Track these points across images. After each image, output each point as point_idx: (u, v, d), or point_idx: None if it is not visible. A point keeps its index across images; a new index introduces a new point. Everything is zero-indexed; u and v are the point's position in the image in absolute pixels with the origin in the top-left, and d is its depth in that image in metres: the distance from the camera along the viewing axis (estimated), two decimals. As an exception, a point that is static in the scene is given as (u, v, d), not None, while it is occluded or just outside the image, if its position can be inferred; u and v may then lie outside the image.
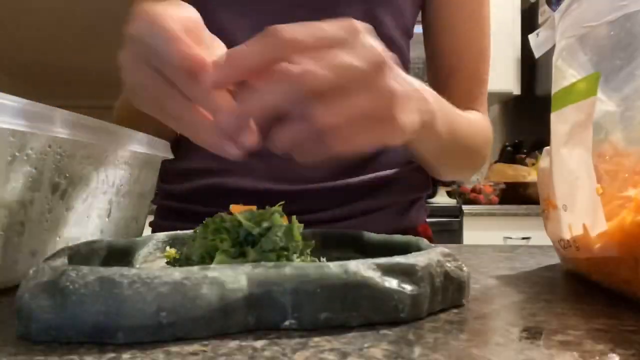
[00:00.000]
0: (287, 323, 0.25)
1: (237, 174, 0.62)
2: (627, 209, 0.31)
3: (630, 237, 0.31)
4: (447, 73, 0.71)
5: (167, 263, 0.36)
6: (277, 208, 0.34)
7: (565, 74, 0.39)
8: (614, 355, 0.22)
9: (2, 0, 3.47)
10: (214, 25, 0.64)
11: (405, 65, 0.72)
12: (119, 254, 0.36)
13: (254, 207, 0.35)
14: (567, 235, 0.38)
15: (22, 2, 3.54)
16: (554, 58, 0.42)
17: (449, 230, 1.83)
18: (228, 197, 0.37)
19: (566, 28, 0.40)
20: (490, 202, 1.99)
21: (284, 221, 0.34)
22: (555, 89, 0.41)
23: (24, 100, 0.32)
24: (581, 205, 0.36)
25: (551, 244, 0.45)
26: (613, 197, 0.33)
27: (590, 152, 0.35)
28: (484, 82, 0.72)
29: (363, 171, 0.64)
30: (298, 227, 0.33)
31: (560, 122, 0.39)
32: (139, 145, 0.48)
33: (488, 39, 0.72)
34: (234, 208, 0.36)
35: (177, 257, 0.36)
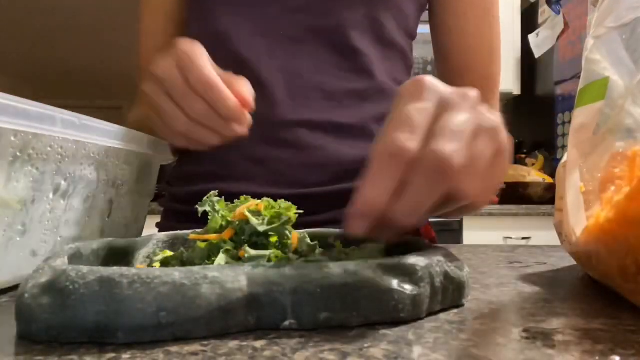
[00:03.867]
0: (287, 323, 0.25)
1: (238, 179, 0.62)
2: (600, 206, 0.33)
3: (603, 232, 0.31)
4: (457, 74, 0.69)
5: (161, 264, 0.36)
6: (292, 214, 0.34)
7: (597, 67, 0.37)
8: (614, 355, 0.22)
9: (3, 1, 3.47)
10: (214, 29, 0.65)
11: (409, 68, 0.72)
12: (119, 254, 0.36)
13: (261, 206, 0.35)
14: (562, 230, 0.39)
15: (23, 2, 3.54)
16: (586, 51, 0.38)
17: (449, 230, 1.83)
18: (230, 201, 0.37)
19: (603, 16, 0.37)
20: (490, 202, 1.99)
21: (294, 237, 0.34)
22: (583, 83, 0.39)
23: (25, 101, 0.32)
24: (570, 202, 0.36)
25: (551, 243, 0.45)
26: (597, 197, 0.34)
27: (581, 152, 0.36)
28: (496, 82, 0.71)
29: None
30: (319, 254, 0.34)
31: (576, 118, 0.39)
32: (138, 145, 0.48)
33: (498, 39, 0.70)
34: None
35: (173, 258, 0.36)
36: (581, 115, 0.37)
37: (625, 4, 0.34)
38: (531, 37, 2.18)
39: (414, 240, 0.37)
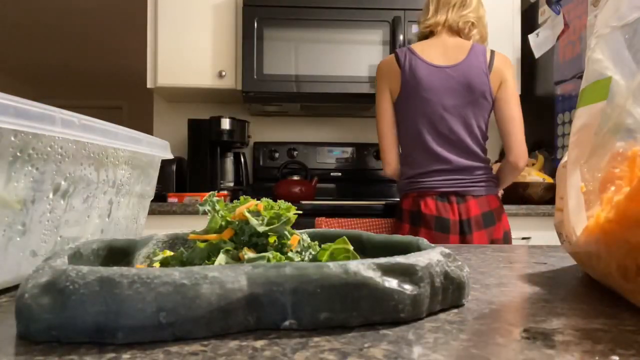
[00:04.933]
0: (287, 323, 0.25)
1: None
2: (600, 206, 0.32)
3: (603, 232, 0.31)
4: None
5: (161, 264, 0.36)
6: (291, 215, 0.34)
7: (600, 67, 0.36)
8: (614, 355, 0.22)
9: (3, 1, 3.47)
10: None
11: None
12: (119, 254, 0.36)
13: (260, 207, 0.35)
14: (562, 230, 0.39)
15: (23, 2, 3.54)
16: (589, 51, 0.38)
17: (449, 230, 1.83)
18: None
19: (606, 15, 0.37)
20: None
21: (294, 239, 0.34)
22: (585, 82, 0.38)
23: (25, 101, 0.32)
24: (571, 202, 0.36)
25: (551, 243, 0.45)
26: (597, 197, 0.34)
27: (583, 152, 0.36)
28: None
29: None
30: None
31: (577, 118, 0.39)
32: (139, 145, 0.48)
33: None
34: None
35: (173, 258, 0.36)
36: (583, 115, 0.37)
37: (629, 3, 0.34)
38: (531, 37, 2.18)
39: (414, 240, 0.37)
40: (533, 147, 2.33)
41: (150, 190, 0.57)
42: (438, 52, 1.49)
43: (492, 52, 1.51)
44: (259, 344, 0.24)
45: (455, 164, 1.46)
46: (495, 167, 1.64)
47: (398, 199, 1.61)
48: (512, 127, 1.51)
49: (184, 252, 0.35)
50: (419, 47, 1.50)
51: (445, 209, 1.44)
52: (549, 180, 1.99)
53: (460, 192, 1.46)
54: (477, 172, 1.49)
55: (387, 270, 0.27)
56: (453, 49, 1.49)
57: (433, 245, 0.34)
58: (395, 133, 1.55)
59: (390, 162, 1.55)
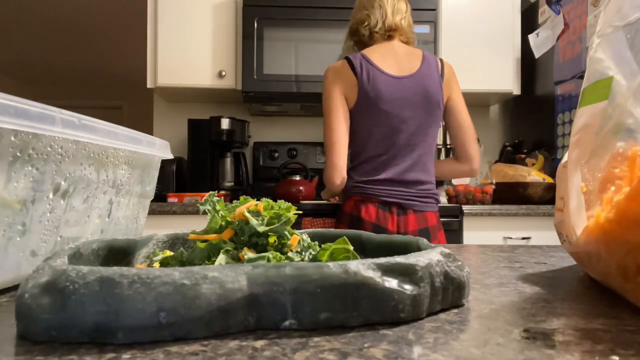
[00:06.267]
0: (287, 323, 0.25)
1: None
2: (600, 206, 0.32)
3: (603, 232, 0.31)
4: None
5: (161, 264, 0.36)
6: (291, 215, 0.34)
7: (601, 67, 0.36)
8: (614, 355, 0.22)
9: (3, 1, 3.47)
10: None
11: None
12: (119, 254, 0.36)
13: (260, 207, 0.35)
14: (562, 230, 0.39)
15: (23, 2, 3.54)
16: (591, 50, 0.38)
17: (449, 230, 1.83)
18: None
19: (609, 15, 0.36)
20: (483, 202, 1.99)
21: (294, 239, 0.34)
22: (586, 82, 0.38)
23: (25, 101, 0.32)
24: (571, 202, 0.36)
25: (551, 243, 0.45)
26: (597, 197, 0.34)
27: (583, 152, 0.36)
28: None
29: None
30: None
31: (578, 117, 0.39)
32: (139, 145, 0.48)
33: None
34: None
35: (172, 258, 0.36)
36: (584, 115, 0.37)
37: (631, 3, 0.34)
38: (531, 37, 2.18)
39: (414, 240, 0.37)
40: (533, 147, 2.33)
41: (150, 190, 0.57)
42: (392, 61, 1.43)
43: (441, 60, 1.49)
44: (259, 344, 0.24)
45: (404, 176, 1.44)
46: (448, 165, 1.61)
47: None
48: (469, 136, 1.51)
49: (184, 252, 0.35)
50: (373, 55, 1.43)
51: (385, 218, 1.42)
52: (549, 180, 1.99)
53: (404, 205, 1.44)
54: (423, 187, 1.47)
55: (387, 270, 0.27)
56: (406, 57, 1.44)
57: (433, 245, 0.34)
58: (347, 140, 1.46)
59: (342, 169, 1.44)
